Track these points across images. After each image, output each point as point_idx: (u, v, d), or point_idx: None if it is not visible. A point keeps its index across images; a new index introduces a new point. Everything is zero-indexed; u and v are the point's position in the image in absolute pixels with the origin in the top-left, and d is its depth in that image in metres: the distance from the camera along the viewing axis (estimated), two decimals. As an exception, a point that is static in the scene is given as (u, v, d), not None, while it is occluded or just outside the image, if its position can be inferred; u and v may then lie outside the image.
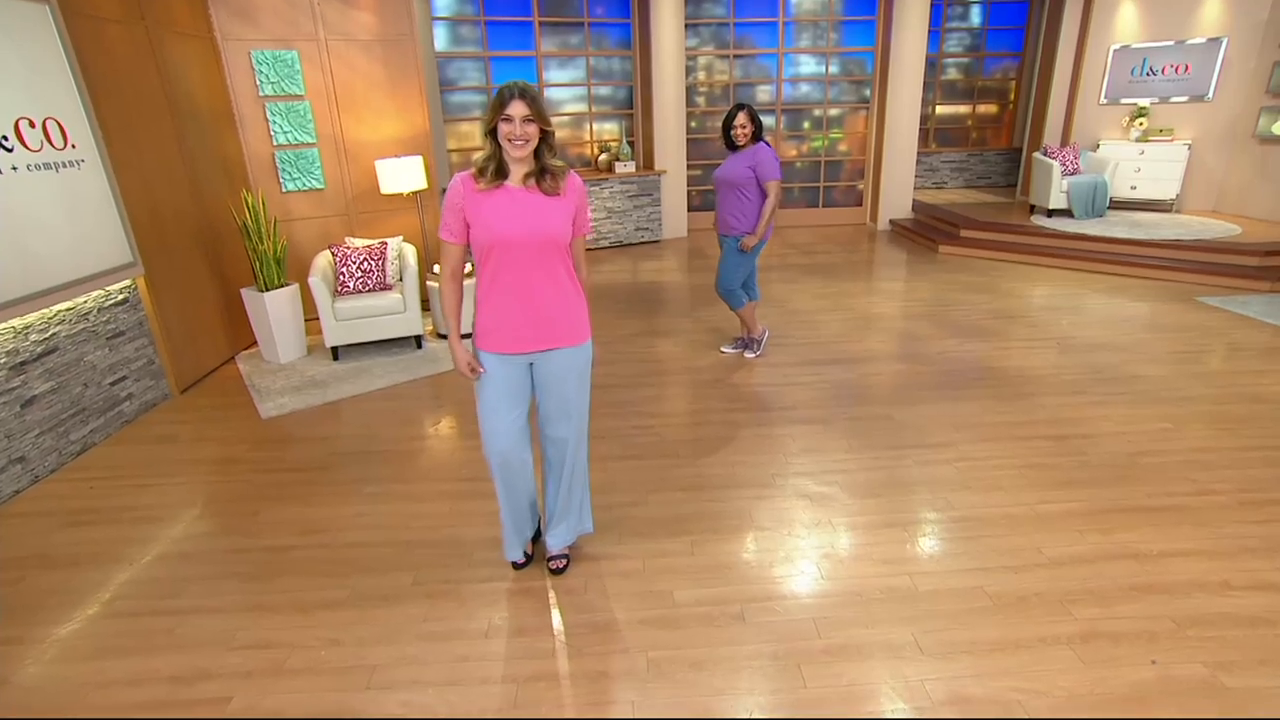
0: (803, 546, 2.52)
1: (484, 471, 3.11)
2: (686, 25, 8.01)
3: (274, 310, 4.45)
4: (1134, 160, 7.38)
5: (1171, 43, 7.27)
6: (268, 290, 4.43)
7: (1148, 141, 7.42)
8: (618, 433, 3.46)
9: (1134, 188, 7.45)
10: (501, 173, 2.01)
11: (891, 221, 8.44)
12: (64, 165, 3.33)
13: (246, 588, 2.42)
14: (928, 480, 2.94)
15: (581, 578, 2.40)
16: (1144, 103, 7.48)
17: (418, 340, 4.76)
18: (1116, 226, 6.66)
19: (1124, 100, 7.63)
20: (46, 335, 3.28)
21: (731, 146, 4.02)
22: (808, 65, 8.56)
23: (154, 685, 1.97)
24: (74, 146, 3.40)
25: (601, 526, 2.66)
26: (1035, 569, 2.34)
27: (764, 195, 3.93)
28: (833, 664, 1.97)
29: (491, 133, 1.97)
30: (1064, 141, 8.08)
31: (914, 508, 2.74)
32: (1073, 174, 7.14)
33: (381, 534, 2.71)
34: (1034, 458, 3.08)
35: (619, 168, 7.90)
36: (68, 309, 3.40)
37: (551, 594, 2.32)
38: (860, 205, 9.02)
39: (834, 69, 8.55)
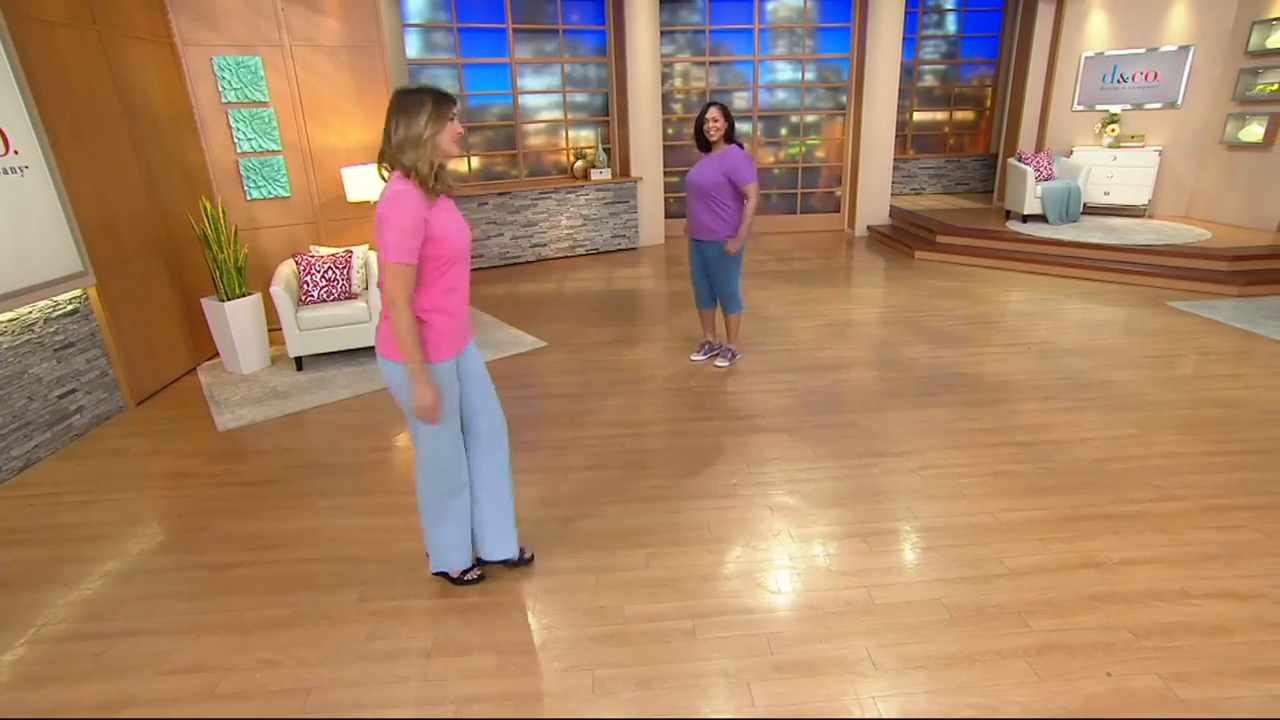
0: (761, 558, 2.46)
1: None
2: (662, 32, 8.00)
3: (235, 320, 4.35)
4: (1107, 166, 7.44)
5: (1142, 50, 7.34)
6: (229, 300, 4.33)
7: (1120, 148, 7.48)
8: (581, 442, 3.39)
9: (1107, 193, 7.50)
10: (442, 183, 1.95)
11: (869, 228, 8.45)
12: (5, 172, 3.23)
13: (184, 607, 2.33)
14: (892, 489, 2.89)
15: (532, 593, 2.33)
16: (1115, 109, 7.55)
17: (384, 349, 4.67)
18: (1090, 232, 6.70)
19: (1097, 107, 7.70)
20: (-12, 347, 3.17)
21: (705, 146, 3.90)
22: (784, 72, 8.57)
23: (74, 715, 1.88)
24: (17, 153, 3.30)
25: (557, 539, 2.60)
26: (995, 579, 2.30)
27: (740, 199, 3.87)
28: (783, 681, 1.91)
29: (427, 141, 1.88)
30: (1038, 147, 8.13)
31: (876, 518, 2.69)
32: (1047, 180, 7.18)
33: (331, 549, 2.63)
34: (1000, 465, 3.05)
35: (595, 175, 7.86)
36: (9, 320, 3.29)
37: (500, 610, 2.25)
38: (838, 212, 9.03)
39: (810, 76, 8.56)
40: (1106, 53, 7.54)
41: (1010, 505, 2.73)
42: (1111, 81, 7.58)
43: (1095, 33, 7.58)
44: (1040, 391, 3.81)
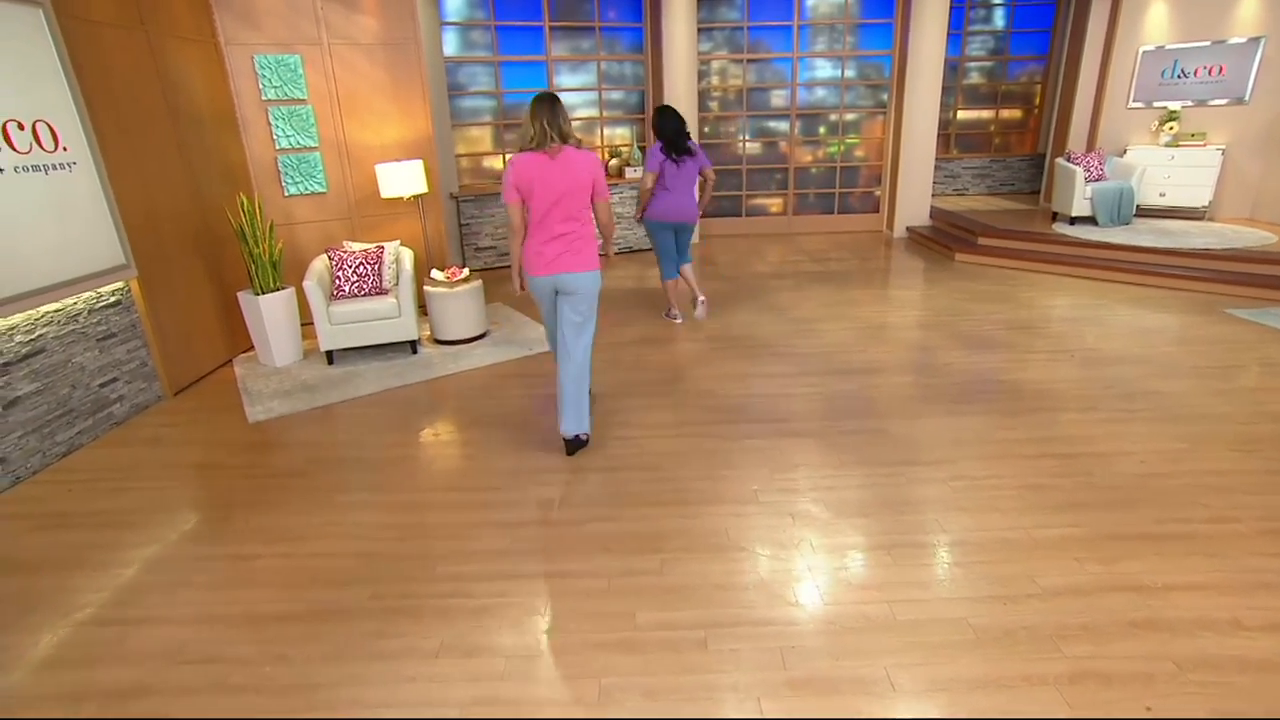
0: (779, 568, 2.38)
1: (461, 481, 3.07)
2: (699, 29, 7.92)
3: (269, 314, 4.44)
4: (1163, 166, 7.09)
5: (1207, 43, 6.96)
6: (263, 294, 4.42)
7: (1178, 146, 7.12)
8: (599, 443, 3.35)
9: (1163, 195, 7.15)
10: None
11: (909, 229, 8.23)
12: (54, 167, 3.34)
13: (203, 598, 2.36)
14: (920, 500, 2.78)
15: (543, 596, 2.30)
16: (1175, 106, 7.19)
17: (413, 345, 4.72)
18: (1142, 235, 6.39)
19: (1155, 104, 7.34)
20: (33, 336, 3.29)
21: (682, 150, 4.71)
22: (823, 69, 8.41)
23: (89, 700, 1.92)
24: (65, 149, 3.41)
25: (570, 542, 2.57)
26: (1027, 600, 2.18)
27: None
28: (795, 699, 1.84)
29: None
30: (1089, 147, 7.80)
31: (902, 529, 2.59)
32: (1097, 180, 6.88)
33: (347, 544, 2.64)
34: (1036, 478, 2.90)
35: (629, 173, 7.83)
36: (56, 310, 3.41)
37: (510, 612, 2.22)
38: (877, 212, 8.82)
39: (850, 73, 8.38)
40: (1167, 46, 7.18)
41: (1046, 521, 2.60)
42: (1171, 77, 7.22)
43: (1155, 25, 7.23)
44: (1083, 401, 3.63)
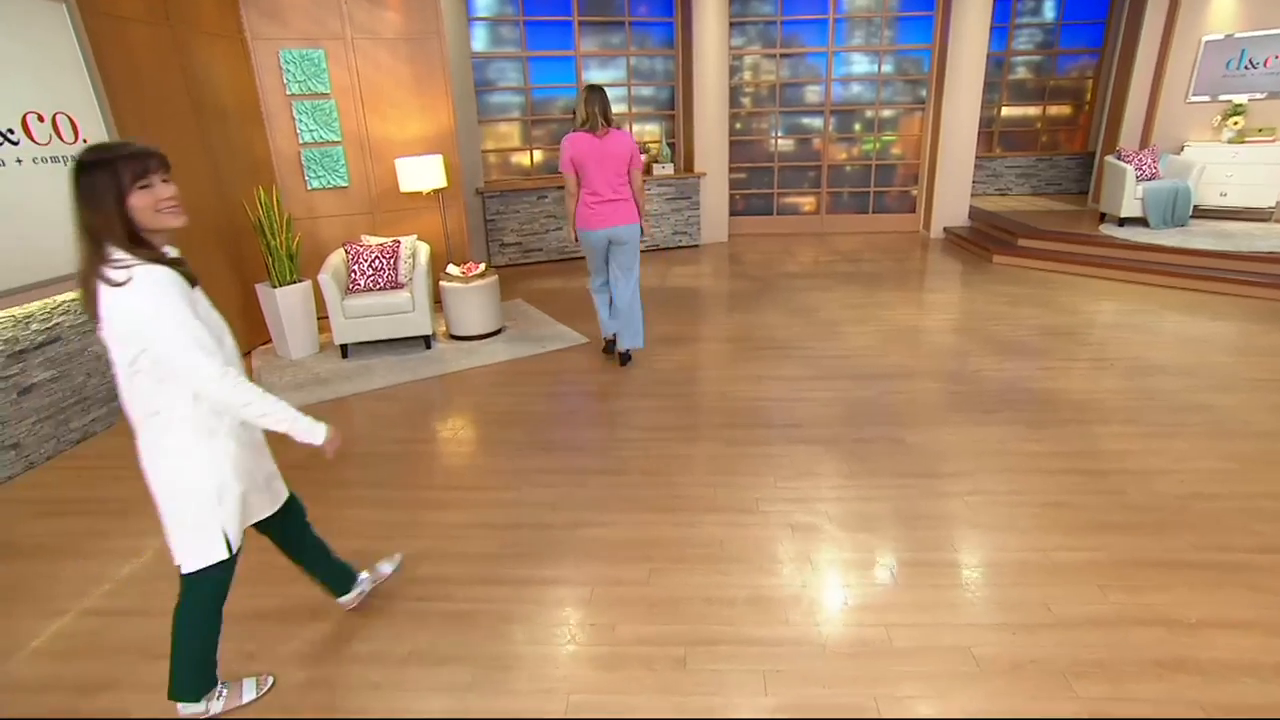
0: (772, 584, 2.25)
1: (460, 480, 3.02)
2: (731, 24, 7.75)
3: (285, 306, 4.47)
4: (1225, 164, 6.64)
5: (1279, 31, 6.49)
6: (280, 286, 4.46)
7: (1243, 143, 6.66)
8: (603, 444, 3.26)
9: (1224, 194, 6.70)
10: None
11: (946, 229, 7.91)
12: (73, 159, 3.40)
13: (186, 590, 2.34)
14: (932, 515, 2.61)
15: (523, 603, 2.21)
16: (1240, 99, 6.73)
17: (427, 341, 4.70)
18: (1198, 237, 5.99)
19: (1220, 97, 6.88)
20: (49, 325, 3.35)
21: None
22: (860, 64, 8.15)
23: (56, 693, 1.90)
24: (85, 141, 3.47)
25: (560, 546, 2.48)
26: (1038, 630, 2.00)
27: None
28: (773, 728, 1.71)
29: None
30: (1143, 144, 7.37)
31: (908, 546, 2.42)
32: (1150, 179, 6.48)
33: (335, 541, 2.56)
34: (1061, 495, 2.70)
35: (658, 169, 7.71)
36: (73, 299, 3.46)
37: (486, 619, 2.14)
38: (913, 212, 8.51)
39: (887, 68, 8.10)
40: (1235, 35, 6.72)
41: (1068, 543, 2.40)
42: (1238, 68, 6.76)
43: (1220, 13, 6.78)
44: (1121, 413, 3.38)
